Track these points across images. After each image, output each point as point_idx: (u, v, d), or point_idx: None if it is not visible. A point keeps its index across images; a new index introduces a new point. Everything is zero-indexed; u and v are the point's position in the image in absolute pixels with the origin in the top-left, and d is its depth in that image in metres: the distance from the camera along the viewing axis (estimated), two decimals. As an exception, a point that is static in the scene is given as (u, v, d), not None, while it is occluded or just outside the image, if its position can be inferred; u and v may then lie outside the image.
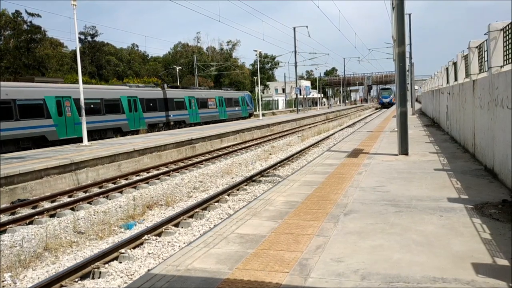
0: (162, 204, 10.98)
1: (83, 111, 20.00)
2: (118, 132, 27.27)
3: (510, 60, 7.30)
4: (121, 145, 18.67)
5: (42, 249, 7.76)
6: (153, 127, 30.82)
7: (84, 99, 20.79)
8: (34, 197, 12.27)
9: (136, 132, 28.64)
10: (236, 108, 45.24)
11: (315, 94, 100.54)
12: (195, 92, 38.25)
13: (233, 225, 5.95)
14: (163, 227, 8.39)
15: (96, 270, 6.54)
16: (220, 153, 19.95)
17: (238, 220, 6.18)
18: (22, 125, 20.80)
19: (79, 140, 21.87)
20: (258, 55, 45.93)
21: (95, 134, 25.32)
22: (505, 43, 7.66)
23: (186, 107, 35.41)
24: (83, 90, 20.67)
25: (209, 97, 39.76)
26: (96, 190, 13.00)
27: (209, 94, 40.11)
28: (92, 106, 25.09)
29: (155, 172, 15.73)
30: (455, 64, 14.92)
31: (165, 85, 34.71)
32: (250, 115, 49.31)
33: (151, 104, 30.67)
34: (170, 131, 28.80)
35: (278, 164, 15.60)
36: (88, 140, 20.56)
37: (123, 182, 14.07)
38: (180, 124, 34.47)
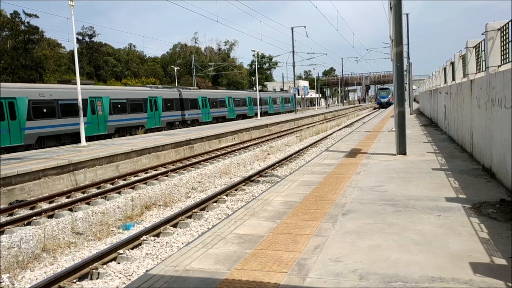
0: (160, 204, 10.98)
1: (78, 110, 20.06)
2: (244, 117, 47.13)
3: (507, 59, 7.32)
4: (119, 146, 18.65)
5: (40, 250, 7.75)
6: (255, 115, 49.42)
7: (234, 97, 44.72)
8: (32, 198, 12.25)
9: (250, 117, 48.06)
10: (288, 104, 64.45)
11: (313, 94, 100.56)
12: (269, 93, 59.09)
13: (231, 226, 5.94)
14: (162, 228, 8.39)
15: (94, 271, 6.53)
16: (219, 153, 19.94)
17: (237, 221, 6.18)
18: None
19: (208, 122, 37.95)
20: (256, 55, 45.96)
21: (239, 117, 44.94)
22: (502, 43, 7.67)
23: (268, 103, 55.16)
24: (236, 92, 46.23)
25: (276, 97, 59.14)
26: (94, 190, 12.98)
27: (276, 95, 60.38)
28: (237, 100, 45.27)
29: (153, 172, 15.72)
30: (452, 64, 14.94)
31: (256, 90, 53.15)
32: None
33: (251, 101, 50.11)
34: (169, 131, 29.30)
35: (277, 164, 15.60)
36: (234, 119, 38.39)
37: (121, 182, 14.05)
38: (264, 113, 51.95)
